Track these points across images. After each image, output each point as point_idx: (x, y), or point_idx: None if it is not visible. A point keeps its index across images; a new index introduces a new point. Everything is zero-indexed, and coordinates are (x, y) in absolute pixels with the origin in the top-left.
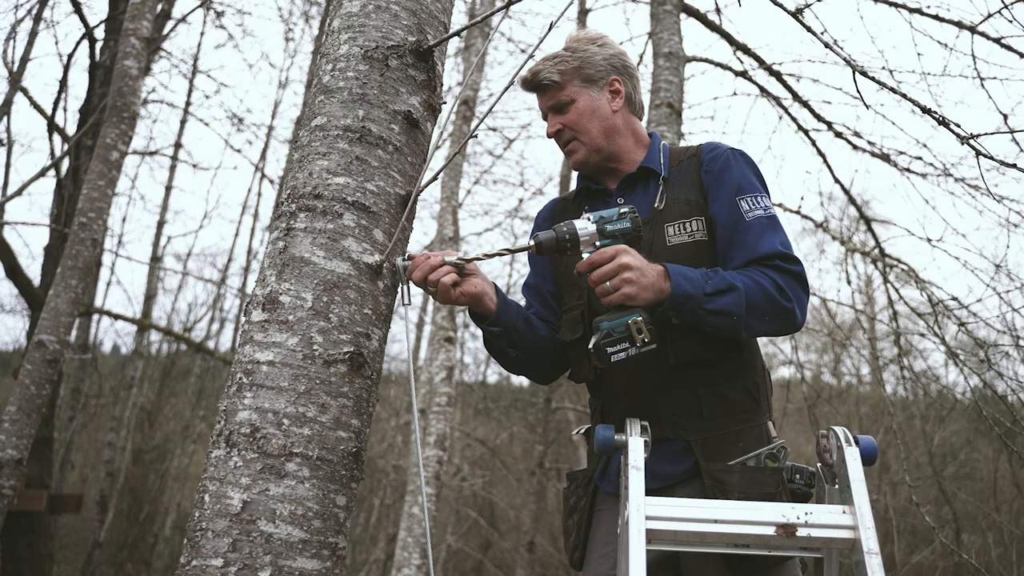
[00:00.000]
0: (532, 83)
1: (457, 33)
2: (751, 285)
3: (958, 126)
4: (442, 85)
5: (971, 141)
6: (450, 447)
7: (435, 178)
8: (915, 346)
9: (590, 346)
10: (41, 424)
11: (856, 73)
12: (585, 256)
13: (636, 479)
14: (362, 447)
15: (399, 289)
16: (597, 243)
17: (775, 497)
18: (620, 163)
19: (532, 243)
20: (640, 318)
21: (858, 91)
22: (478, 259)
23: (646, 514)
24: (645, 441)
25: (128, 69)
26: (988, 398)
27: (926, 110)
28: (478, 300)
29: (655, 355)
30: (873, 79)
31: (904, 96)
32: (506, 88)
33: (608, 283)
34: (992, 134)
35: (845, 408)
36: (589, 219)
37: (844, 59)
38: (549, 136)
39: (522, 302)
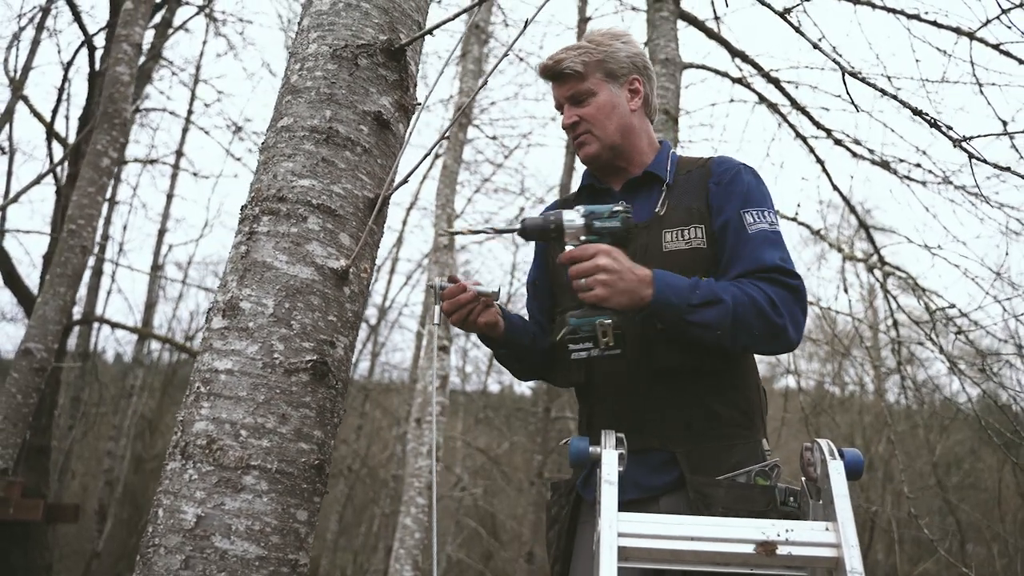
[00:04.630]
0: (553, 71)
1: (430, 31)
2: (741, 299)
3: (950, 128)
4: (415, 85)
5: (964, 144)
6: (444, 456)
7: (406, 180)
8: (916, 356)
9: (555, 338)
10: (38, 433)
11: (845, 75)
12: (568, 249)
13: (609, 494)
14: (325, 459)
15: (431, 310)
16: (582, 237)
17: (763, 516)
18: (629, 164)
19: (519, 226)
20: (609, 321)
21: (848, 93)
22: (461, 233)
23: (619, 531)
24: (620, 454)
25: (120, 75)
26: (991, 408)
27: (917, 112)
28: (493, 327)
29: (639, 360)
30: (863, 80)
31: (894, 98)
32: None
33: (583, 280)
34: (985, 136)
35: (848, 418)
36: (579, 211)
37: (833, 60)
38: (564, 127)
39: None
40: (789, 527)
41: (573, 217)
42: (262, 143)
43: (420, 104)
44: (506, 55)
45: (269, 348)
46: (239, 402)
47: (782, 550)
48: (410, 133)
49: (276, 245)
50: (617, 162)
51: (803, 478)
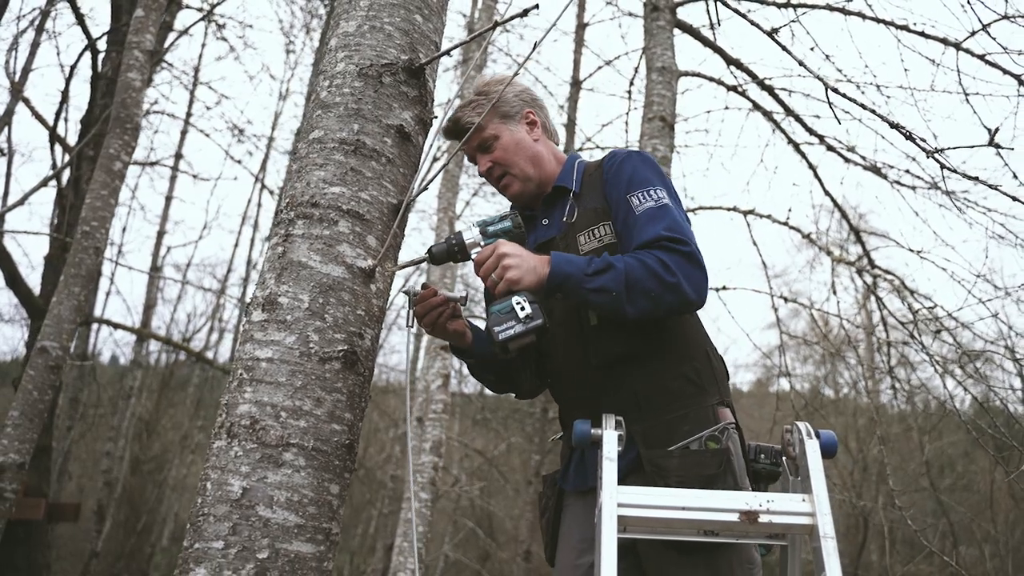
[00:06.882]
0: (455, 130)
1: (447, 52)
2: (633, 264)
3: (924, 140)
4: (433, 100)
5: (936, 155)
6: (446, 455)
7: (425, 188)
8: (909, 360)
9: (490, 338)
10: (40, 433)
11: (828, 89)
12: (474, 256)
13: (610, 469)
14: (355, 440)
15: (406, 314)
16: (482, 243)
17: (715, 478)
18: (546, 187)
19: (426, 254)
20: (523, 298)
21: (830, 106)
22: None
23: (618, 501)
24: (619, 435)
25: (131, 81)
26: (982, 409)
27: (894, 125)
28: (461, 336)
29: (584, 356)
30: (843, 95)
31: (873, 112)
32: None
33: (493, 275)
34: (956, 148)
35: (842, 420)
36: (473, 225)
37: (815, 76)
38: (481, 174)
39: None
40: (770, 498)
41: (469, 231)
42: (295, 153)
43: (437, 117)
44: (516, 74)
45: (305, 339)
46: (279, 387)
47: (763, 518)
48: (430, 145)
49: (310, 246)
50: (540, 191)
51: (784, 458)
